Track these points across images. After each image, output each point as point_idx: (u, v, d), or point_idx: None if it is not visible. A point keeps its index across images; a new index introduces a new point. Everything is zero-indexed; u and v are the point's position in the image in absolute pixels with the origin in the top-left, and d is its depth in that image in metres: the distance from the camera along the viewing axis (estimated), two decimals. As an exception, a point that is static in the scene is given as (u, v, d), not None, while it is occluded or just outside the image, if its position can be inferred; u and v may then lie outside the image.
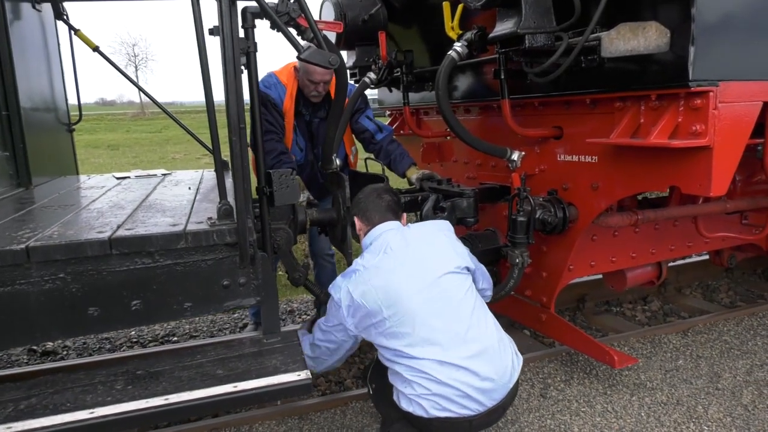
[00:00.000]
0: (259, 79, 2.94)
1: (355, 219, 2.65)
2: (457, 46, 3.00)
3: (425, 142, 4.31)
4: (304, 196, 3.23)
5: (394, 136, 3.72)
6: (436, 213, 3.11)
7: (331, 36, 3.67)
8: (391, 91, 4.34)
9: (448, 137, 4.17)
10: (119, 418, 1.82)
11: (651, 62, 2.46)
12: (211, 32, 2.19)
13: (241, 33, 2.18)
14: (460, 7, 3.09)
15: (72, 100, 4.36)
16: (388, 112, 4.94)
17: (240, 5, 2.17)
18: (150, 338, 4.30)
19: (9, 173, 3.37)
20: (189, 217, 2.37)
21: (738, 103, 2.40)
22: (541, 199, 3.08)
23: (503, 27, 2.75)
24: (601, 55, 2.40)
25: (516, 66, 2.99)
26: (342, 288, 2.40)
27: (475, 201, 3.14)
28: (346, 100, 2.95)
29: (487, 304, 2.57)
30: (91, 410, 1.83)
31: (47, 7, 3.93)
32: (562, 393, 3.12)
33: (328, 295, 2.48)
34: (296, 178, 2.49)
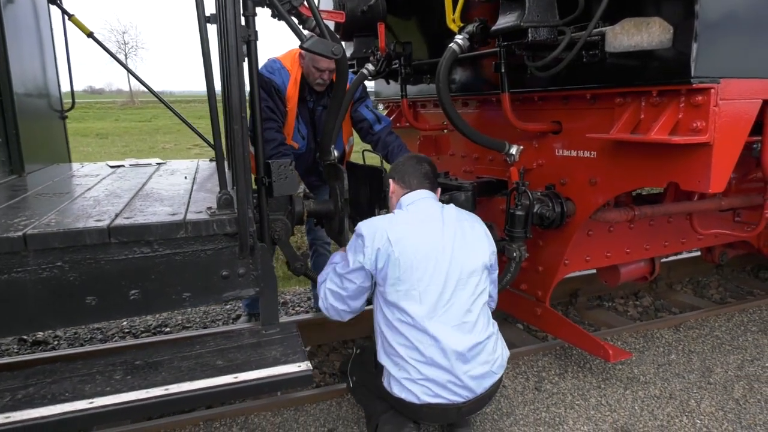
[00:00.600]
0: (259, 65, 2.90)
1: (391, 182, 2.66)
2: (459, 38, 2.98)
3: (422, 135, 4.30)
4: (300, 188, 3.21)
5: (391, 128, 3.71)
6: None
7: (331, 25, 3.64)
8: (388, 83, 4.31)
9: (446, 130, 4.16)
10: (119, 408, 1.80)
11: (653, 58, 2.46)
12: (208, 20, 2.16)
13: (242, 21, 2.16)
14: (461, -1, 3.07)
15: (64, 87, 4.31)
16: (381, 106, 4.92)
17: None
18: (143, 329, 4.27)
19: (2, 160, 3.32)
20: (188, 207, 2.35)
21: (738, 101, 2.41)
22: (539, 194, 3.08)
23: (506, 20, 2.73)
24: (605, 50, 2.40)
25: (516, 60, 2.98)
26: (379, 227, 2.38)
27: (473, 195, 3.14)
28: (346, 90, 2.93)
29: None
30: (91, 400, 1.81)
31: (40, -9, 3.87)
32: (556, 386, 3.14)
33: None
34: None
